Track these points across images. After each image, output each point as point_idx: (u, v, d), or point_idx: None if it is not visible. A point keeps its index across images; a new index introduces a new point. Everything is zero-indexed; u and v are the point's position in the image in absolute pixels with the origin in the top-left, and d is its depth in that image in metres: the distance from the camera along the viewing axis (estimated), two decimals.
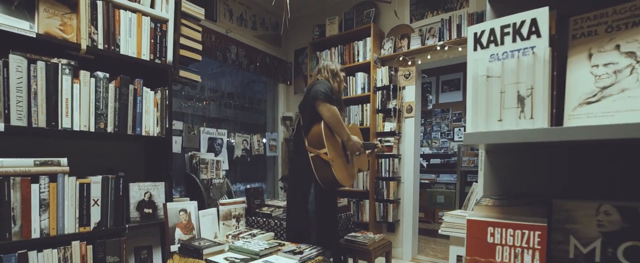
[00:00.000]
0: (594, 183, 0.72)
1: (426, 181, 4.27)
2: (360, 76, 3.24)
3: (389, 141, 3.08)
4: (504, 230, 0.59)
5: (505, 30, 0.61)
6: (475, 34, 0.64)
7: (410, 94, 3.14)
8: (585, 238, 0.57)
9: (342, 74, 2.02)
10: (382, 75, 3.15)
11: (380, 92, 3.16)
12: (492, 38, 0.62)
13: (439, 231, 1.44)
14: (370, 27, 3.15)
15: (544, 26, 0.57)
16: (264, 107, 4.12)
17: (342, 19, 3.46)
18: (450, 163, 4.71)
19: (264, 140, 3.74)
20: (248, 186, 2.54)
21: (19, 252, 1.25)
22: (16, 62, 1.21)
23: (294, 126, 1.93)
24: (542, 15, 0.57)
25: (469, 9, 2.83)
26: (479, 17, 2.69)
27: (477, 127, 0.62)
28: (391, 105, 3.12)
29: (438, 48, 2.92)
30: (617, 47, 0.56)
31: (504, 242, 0.59)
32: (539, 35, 0.58)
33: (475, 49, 0.64)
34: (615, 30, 0.57)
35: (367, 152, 2.23)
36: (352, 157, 2.01)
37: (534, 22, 0.58)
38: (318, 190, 1.77)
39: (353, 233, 2.35)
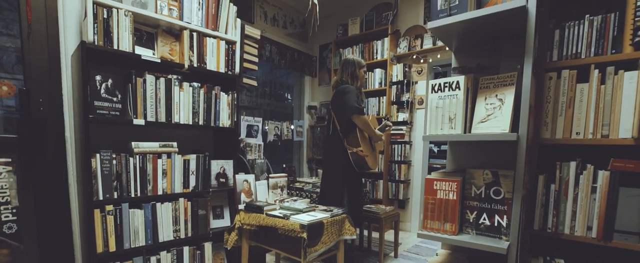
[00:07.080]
0: (483, 159, 1.44)
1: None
2: (378, 72, 3.90)
3: (400, 129, 3.77)
4: (441, 182, 1.30)
5: (446, 84, 1.29)
6: (432, 84, 1.32)
7: (422, 88, 3.79)
8: (478, 186, 1.27)
9: (363, 71, 2.54)
10: (397, 71, 3.80)
11: (395, 86, 3.81)
12: (440, 87, 1.30)
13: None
14: (388, 29, 3.77)
15: (462, 84, 1.25)
16: (291, 96, 4.84)
17: (363, 20, 4.08)
18: None
19: (292, 127, 4.49)
20: (284, 165, 3.29)
21: (152, 202, 2.04)
22: (149, 79, 1.96)
23: (331, 126, 2.60)
24: (462, 79, 1.25)
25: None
26: None
27: (430, 132, 1.31)
28: (404, 98, 3.78)
29: (447, 48, 3.52)
30: (496, 95, 1.23)
31: (441, 188, 1.30)
32: (459, 89, 1.25)
33: (432, 92, 1.32)
34: (497, 87, 1.24)
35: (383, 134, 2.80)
36: (375, 144, 2.71)
37: (458, 82, 1.26)
38: (349, 174, 2.47)
39: (368, 205, 3.09)
